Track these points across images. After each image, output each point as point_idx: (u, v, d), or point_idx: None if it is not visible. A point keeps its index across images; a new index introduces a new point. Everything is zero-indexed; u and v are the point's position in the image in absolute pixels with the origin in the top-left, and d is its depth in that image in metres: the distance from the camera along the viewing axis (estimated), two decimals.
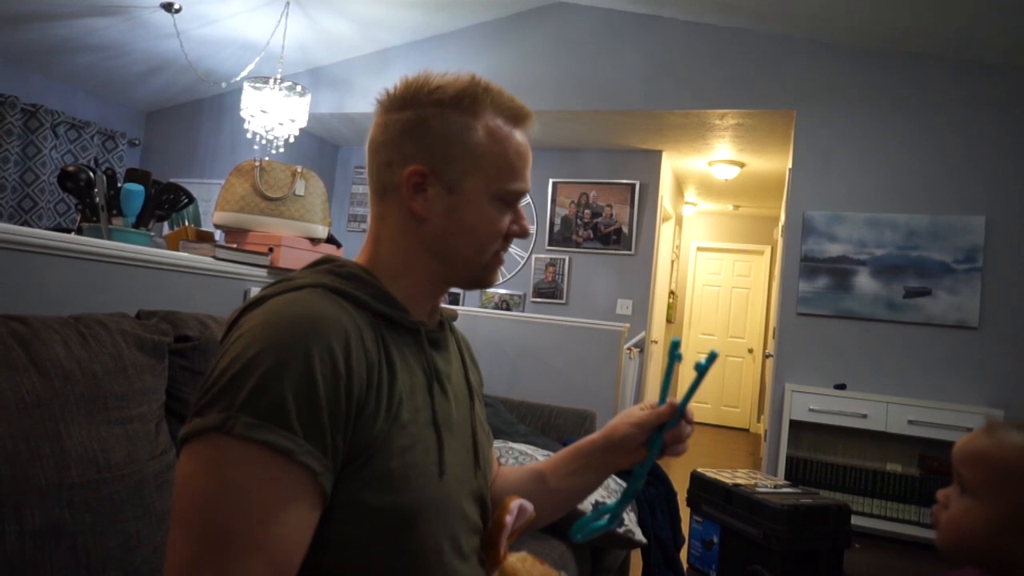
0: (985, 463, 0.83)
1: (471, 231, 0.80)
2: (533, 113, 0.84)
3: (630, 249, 5.16)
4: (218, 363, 0.68)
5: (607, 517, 0.88)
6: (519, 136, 0.82)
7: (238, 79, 4.54)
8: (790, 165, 4.17)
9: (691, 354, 7.46)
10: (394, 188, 0.80)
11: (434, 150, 0.78)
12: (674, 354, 0.83)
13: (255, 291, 1.80)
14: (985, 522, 0.80)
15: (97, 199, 1.68)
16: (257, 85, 4.13)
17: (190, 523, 0.63)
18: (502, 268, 0.88)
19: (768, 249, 7.19)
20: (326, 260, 0.81)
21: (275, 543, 0.63)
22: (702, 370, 0.80)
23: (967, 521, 0.82)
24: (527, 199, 5.22)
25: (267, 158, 2.00)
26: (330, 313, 0.71)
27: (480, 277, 0.84)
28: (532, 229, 5.29)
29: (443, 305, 0.91)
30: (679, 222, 6.78)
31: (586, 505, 1.70)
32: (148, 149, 5.64)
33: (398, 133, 0.80)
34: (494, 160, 0.79)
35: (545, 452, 1.96)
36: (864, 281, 3.83)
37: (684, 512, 2.49)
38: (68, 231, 1.63)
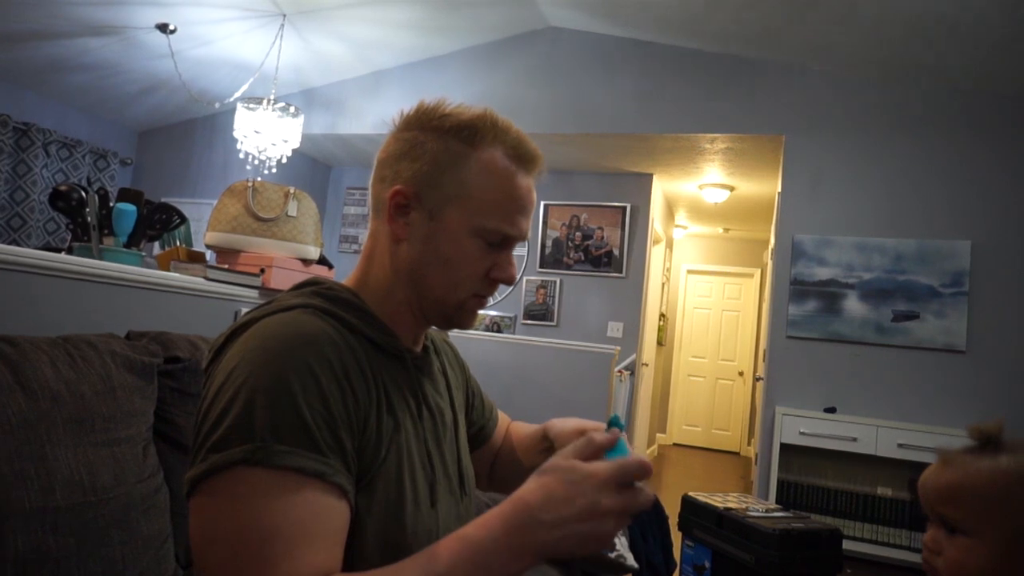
0: (966, 497, 0.79)
1: (446, 264, 0.76)
2: (541, 157, 0.80)
3: (621, 272, 5.18)
4: (218, 393, 0.66)
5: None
6: (520, 179, 0.78)
7: (231, 99, 4.56)
8: (779, 189, 4.21)
9: (682, 378, 7.47)
10: (382, 206, 0.79)
11: (423, 173, 0.76)
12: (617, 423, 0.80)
13: (246, 312, 1.79)
14: (989, 557, 0.77)
15: (89, 218, 1.67)
16: (250, 106, 4.15)
17: (227, 559, 0.61)
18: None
19: (758, 272, 7.24)
20: (313, 282, 0.80)
21: (316, 566, 0.62)
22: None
23: (971, 561, 0.78)
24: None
25: (259, 178, 2.00)
26: (325, 331, 0.71)
27: (452, 317, 0.80)
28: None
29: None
30: (669, 245, 6.82)
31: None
32: (140, 168, 5.63)
33: (396, 152, 0.79)
34: (481, 194, 0.76)
35: None
36: (853, 305, 3.85)
37: (675, 536, 2.48)
38: (58, 250, 1.63)
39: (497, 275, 0.79)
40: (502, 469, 1.07)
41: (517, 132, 0.79)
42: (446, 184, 0.76)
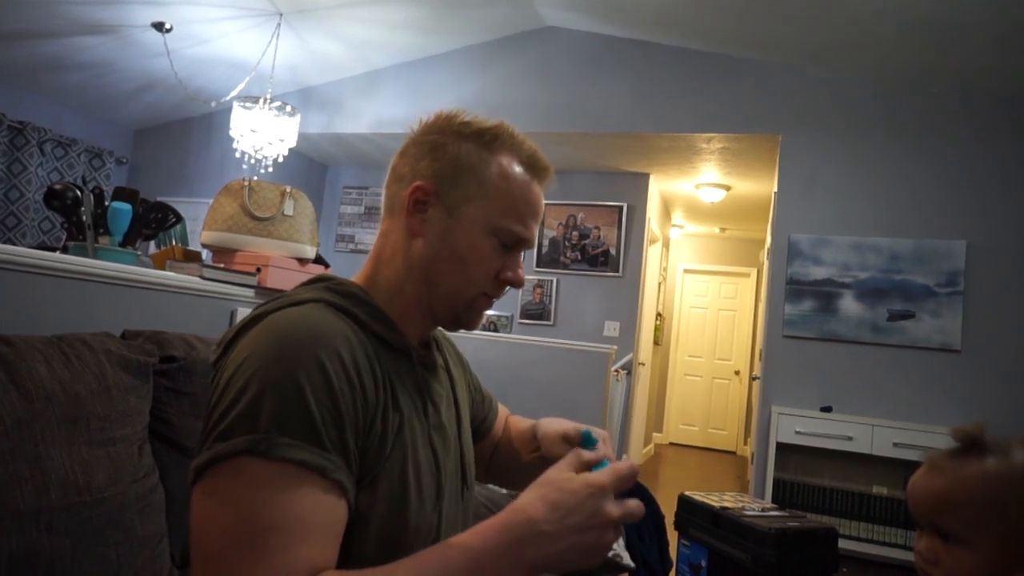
0: (959, 506, 0.78)
1: (461, 260, 0.79)
2: (552, 168, 0.84)
3: (618, 271, 5.18)
4: (228, 384, 0.67)
5: None
6: (533, 187, 0.82)
7: (228, 98, 4.55)
8: (775, 189, 4.22)
9: (679, 377, 7.48)
10: (400, 204, 0.81)
11: (444, 172, 0.79)
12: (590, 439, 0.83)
13: (242, 311, 1.79)
14: (986, 563, 0.76)
15: (84, 217, 1.67)
16: (247, 104, 4.14)
17: (223, 548, 0.61)
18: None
19: (754, 271, 7.25)
20: (323, 278, 0.81)
21: (311, 562, 0.62)
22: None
23: (969, 570, 0.77)
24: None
25: (256, 178, 2.00)
26: (336, 327, 0.71)
27: (460, 316, 0.82)
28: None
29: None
30: (666, 244, 6.83)
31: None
32: (136, 167, 5.62)
33: (416, 153, 0.82)
34: (499, 195, 0.79)
35: None
36: (849, 304, 3.86)
37: (672, 536, 2.48)
38: (53, 249, 1.62)
39: (507, 276, 0.82)
40: (501, 461, 1.09)
41: (531, 144, 0.83)
42: (466, 183, 0.79)
